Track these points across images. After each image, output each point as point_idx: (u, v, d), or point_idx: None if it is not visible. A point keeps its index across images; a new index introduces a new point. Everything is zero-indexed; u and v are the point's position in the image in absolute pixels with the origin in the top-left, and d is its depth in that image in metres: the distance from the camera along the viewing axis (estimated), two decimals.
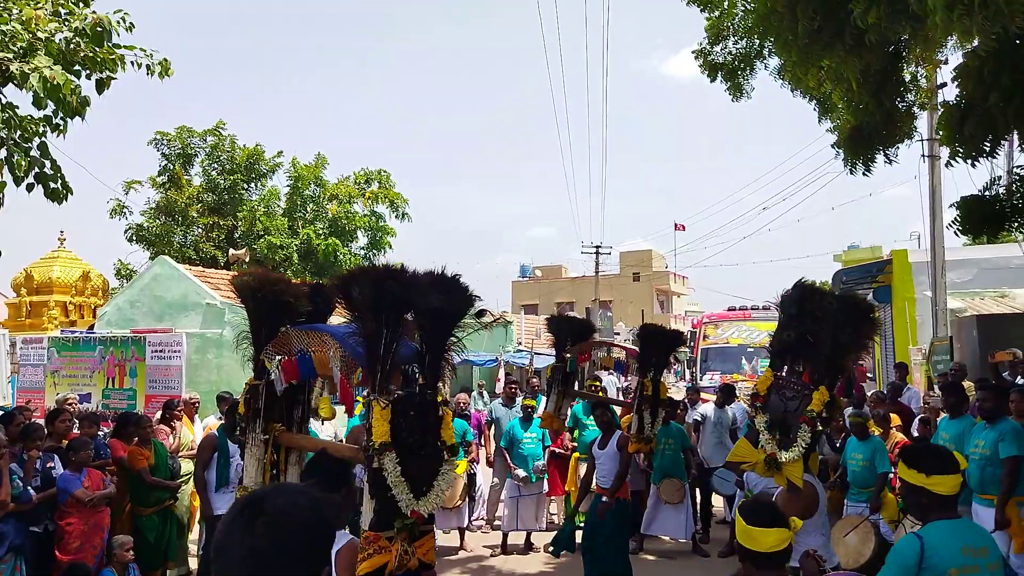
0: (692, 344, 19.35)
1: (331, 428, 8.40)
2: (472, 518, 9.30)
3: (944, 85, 10.54)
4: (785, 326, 4.49)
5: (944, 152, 9.41)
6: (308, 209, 27.78)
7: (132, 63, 6.40)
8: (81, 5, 6.35)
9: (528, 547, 8.64)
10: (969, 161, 7.13)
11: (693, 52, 8.65)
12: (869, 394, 9.95)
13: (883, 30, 5.07)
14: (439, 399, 3.53)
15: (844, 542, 5.90)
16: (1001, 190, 8.28)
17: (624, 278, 50.82)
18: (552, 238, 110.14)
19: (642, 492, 8.56)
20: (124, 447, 7.02)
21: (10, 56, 5.65)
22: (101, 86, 6.26)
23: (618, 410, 8.34)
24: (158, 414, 8.54)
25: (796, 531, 2.74)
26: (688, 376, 18.87)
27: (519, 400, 9.51)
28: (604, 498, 6.72)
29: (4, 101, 6.01)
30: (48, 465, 6.24)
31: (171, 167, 26.96)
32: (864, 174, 7.92)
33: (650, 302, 50.60)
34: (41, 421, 7.26)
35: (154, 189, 26.91)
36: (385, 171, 28.77)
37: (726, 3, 8.19)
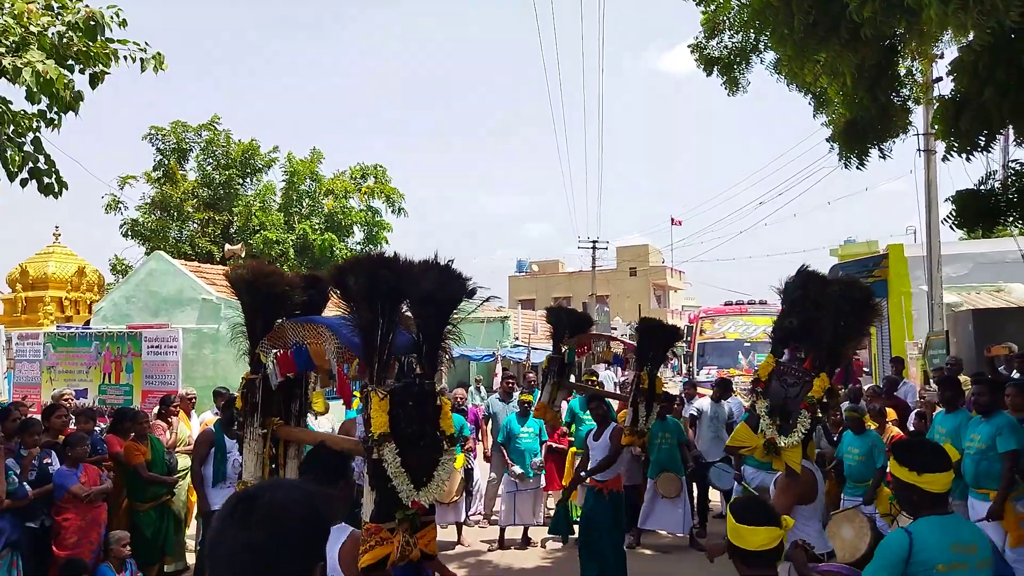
0: (689, 339, 19.37)
1: (328, 423, 8.40)
2: (469, 513, 9.32)
3: (940, 80, 10.53)
4: (787, 312, 4.49)
5: (940, 146, 9.43)
6: (304, 204, 27.74)
7: (125, 57, 6.38)
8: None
9: (525, 542, 8.66)
10: (964, 155, 7.13)
11: (689, 46, 8.63)
12: (865, 388, 9.97)
13: (878, 24, 5.07)
14: (437, 389, 3.53)
15: (840, 536, 5.92)
16: (996, 184, 8.29)
17: (621, 273, 50.86)
18: (549, 233, 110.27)
19: (639, 486, 8.58)
20: (121, 443, 7.02)
21: (3, 50, 5.62)
22: (95, 80, 6.24)
23: (615, 404, 8.35)
24: (155, 409, 8.53)
25: (788, 529, 2.74)
26: (685, 370, 18.91)
27: (516, 395, 9.52)
28: (597, 488, 6.77)
29: None
30: (45, 461, 6.23)
31: (166, 162, 26.90)
32: (858, 168, 7.92)
33: (647, 297, 50.64)
34: (37, 417, 7.25)
35: (149, 184, 26.87)
36: (381, 166, 28.77)
37: None
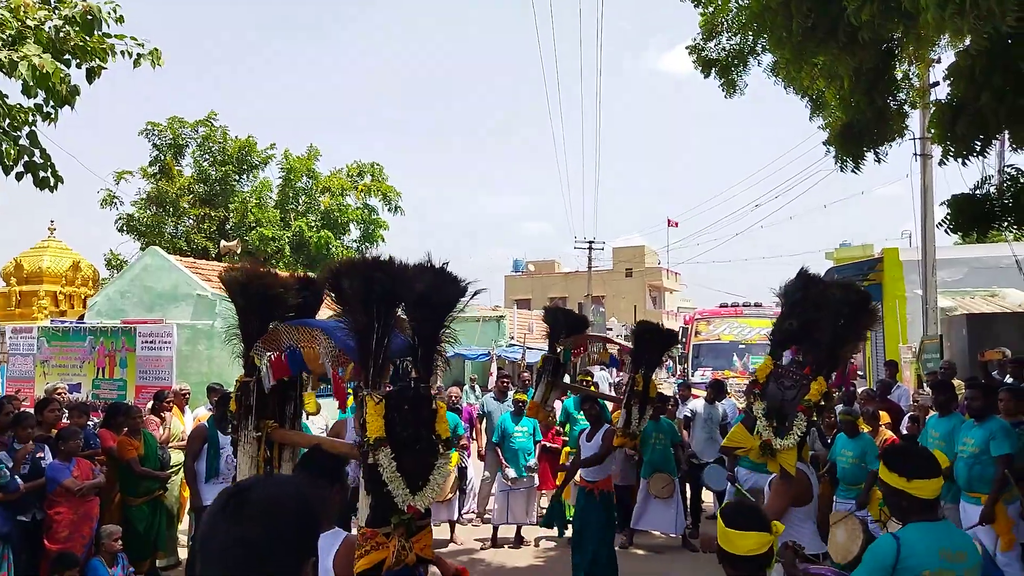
0: (684, 340, 19.40)
1: (321, 421, 8.39)
2: (463, 511, 9.32)
3: (936, 84, 10.58)
4: (787, 315, 4.50)
5: (936, 151, 9.45)
6: (300, 201, 27.68)
7: (123, 53, 6.36)
8: None
9: (518, 541, 8.66)
10: (960, 160, 7.16)
11: (687, 48, 8.65)
12: (859, 391, 9.99)
13: (876, 28, 5.09)
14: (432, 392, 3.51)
15: (833, 539, 5.93)
16: (992, 189, 8.33)
17: (617, 274, 50.89)
18: (545, 233, 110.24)
19: (632, 487, 8.60)
20: (114, 437, 7.00)
21: None
22: (91, 75, 6.23)
23: (609, 405, 8.37)
24: (149, 405, 8.51)
25: (778, 535, 2.74)
26: (679, 372, 18.94)
27: (511, 394, 9.52)
28: (587, 489, 6.79)
29: None
30: (37, 455, 6.22)
31: (162, 158, 26.84)
32: (854, 171, 7.94)
33: (643, 298, 50.67)
34: (31, 411, 7.23)
35: (145, 179, 26.79)
36: (378, 164, 28.74)
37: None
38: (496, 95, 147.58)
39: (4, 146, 5.98)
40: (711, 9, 8.29)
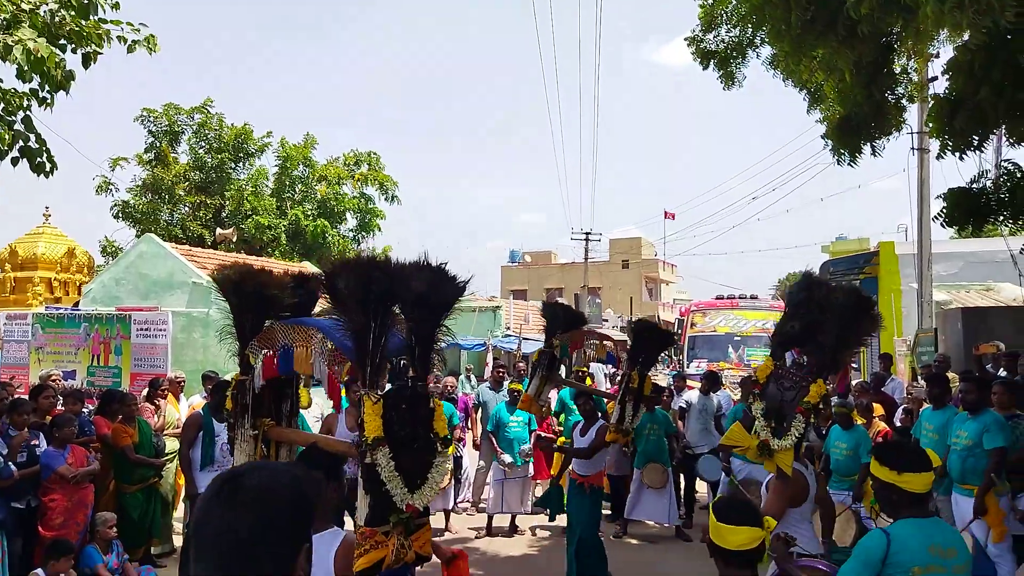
0: (680, 332, 19.43)
1: (318, 411, 8.40)
2: (458, 500, 9.35)
3: (935, 79, 10.57)
4: (790, 317, 4.51)
5: (933, 145, 9.45)
6: (297, 190, 27.62)
7: (118, 38, 6.31)
8: None
9: (513, 530, 8.70)
10: (958, 154, 7.16)
11: (686, 39, 8.62)
12: (853, 384, 10.02)
13: (875, 21, 5.08)
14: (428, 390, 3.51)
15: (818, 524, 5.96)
16: (988, 183, 8.34)
17: (613, 265, 50.88)
18: (542, 224, 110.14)
19: (627, 477, 8.63)
20: (108, 424, 7.00)
21: None
22: (87, 60, 6.18)
23: (605, 399, 8.39)
24: (144, 392, 8.50)
25: (770, 530, 2.74)
26: (674, 364, 18.97)
27: (506, 384, 9.53)
28: (579, 482, 6.83)
29: None
30: (32, 442, 6.21)
31: (158, 144, 26.72)
32: (850, 165, 7.94)
33: (639, 289, 50.70)
34: (26, 397, 7.22)
35: (140, 166, 26.69)
36: (375, 153, 28.67)
37: None
38: (494, 88, 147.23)
39: None
40: (711, 1, 8.26)
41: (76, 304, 15.55)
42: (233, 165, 27.27)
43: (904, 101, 8.37)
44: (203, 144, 27.04)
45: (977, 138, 7.06)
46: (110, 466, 6.91)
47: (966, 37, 5.44)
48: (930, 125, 8.18)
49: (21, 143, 6.16)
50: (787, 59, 6.91)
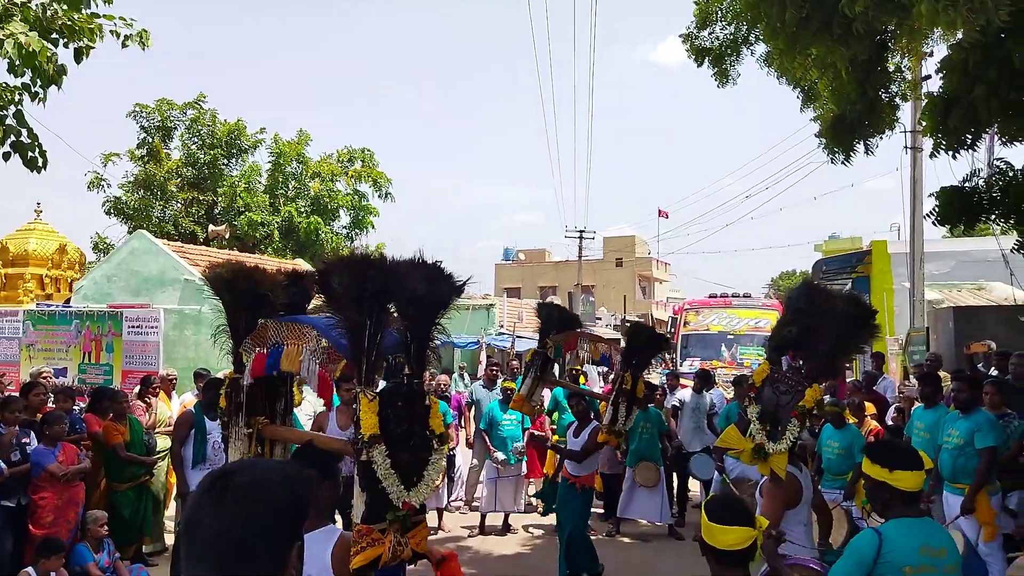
0: (673, 330, 19.45)
1: (311, 408, 8.37)
2: (451, 499, 9.34)
3: (928, 77, 10.60)
4: (789, 321, 4.52)
5: (926, 144, 9.47)
6: (290, 186, 27.51)
7: (111, 33, 6.27)
8: None
9: (506, 528, 8.69)
10: (952, 153, 7.19)
11: (680, 36, 8.62)
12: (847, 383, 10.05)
13: (870, 19, 5.08)
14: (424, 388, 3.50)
15: (815, 528, 5.98)
16: (980, 182, 8.36)
17: (607, 263, 50.89)
18: (536, 222, 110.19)
19: (620, 475, 8.63)
20: (99, 422, 6.96)
21: None
22: (79, 55, 6.14)
23: (599, 400, 8.39)
24: (135, 390, 8.46)
25: (761, 530, 2.74)
26: (668, 361, 18.99)
27: (499, 382, 9.53)
28: (570, 482, 6.84)
29: None
30: (23, 440, 6.17)
31: (150, 140, 26.57)
32: (844, 163, 7.97)
33: (632, 288, 50.74)
34: (16, 395, 7.18)
35: (133, 162, 26.54)
36: (369, 150, 28.58)
37: None
38: (488, 85, 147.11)
39: None
40: None
41: (67, 301, 15.47)
42: (226, 161, 27.14)
43: (897, 99, 8.39)
44: (196, 140, 26.90)
45: (970, 137, 7.09)
46: (101, 464, 6.87)
47: (960, 36, 5.46)
48: (923, 123, 8.22)
49: (13, 138, 6.12)
50: (781, 57, 6.92)
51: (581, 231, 39.98)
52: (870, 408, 8.33)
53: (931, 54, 9.44)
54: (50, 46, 5.79)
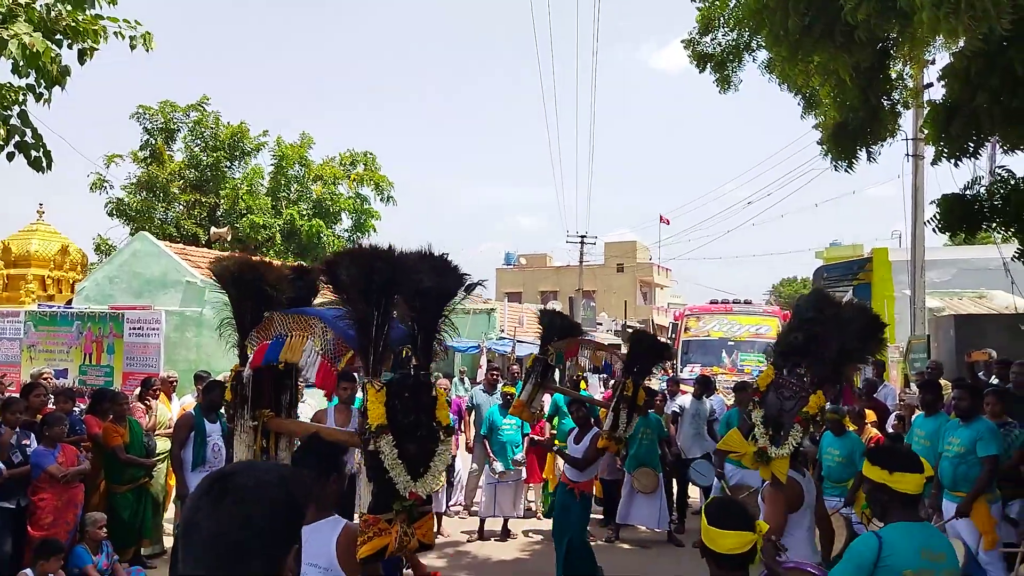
0: (673, 336, 19.43)
1: (310, 410, 8.36)
2: (450, 503, 9.32)
3: (931, 85, 10.62)
4: (796, 328, 4.54)
5: (928, 151, 9.48)
6: (292, 189, 27.56)
7: (115, 34, 6.29)
8: None
9: (505, 534, 8.67)
10: (954, 161, 7.19)
11: (682, 41, 8.64)
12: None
13: (872, 27, 5.09)
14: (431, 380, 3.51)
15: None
16: (982, 190, 8.37)
17: (608, 268, 50.87)
18: (538, 226, 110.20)
19: (619, 481, 8.62)
20: (99, 423, 6.95)
21: None
22: (83, 56, 6.15)
23: (599, 407, 8.38)
24: (136, 391, 8.46)
25: (762, 534, 2.74)
26: (668, 368, 18.95)
27: (500, 387, 9.52)
28: (569, 487, 6.83)
29: None
30: (24, 442, 6.17)
31: (153, 142, 26.63)
32: (847, 171, 7.97)
33: (633, 293, 50.73)
34: (17, 396, 7.18)
35: (135, 164, 26.59)
36: (371, 153, 28.63)
37: None
38: (491, 89, 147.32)
39: None
40: (709, 3, 8.28)
41: (69, 302, 15.49)
42: (228, 164, 27.20)
43: (899, 107, 8.40)
44: (199, 142, 26.97)
45: (972, 145, 7.09)
46: (101, 466, 6.87)
47: (962, 44, 5.46)
48: (926, 131, 8.21)
49: (17, 138, 6.13)
50: (783, 64, 6.92)
51: (583, 236, 39.97)
52: (870, 416, 8.32)
53: (933, 62, 9.47)
54: (54, 47, 5.80)
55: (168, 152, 26.89)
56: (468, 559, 7.93)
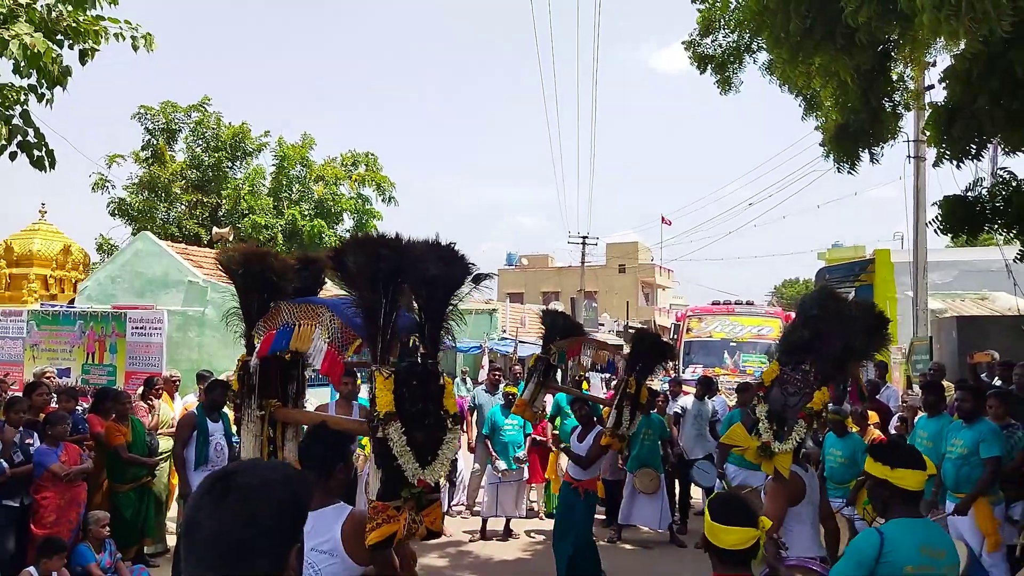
0: (675, 337, 19.42)
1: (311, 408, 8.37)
2: (452, 503, 9.33)
3: (931, 87, 10.61)
4: (802, 324, 4.55)
5: (929, 153, 9.48)
6: (294, 189, 27.58)
7: (116, 36, 6.30)
8: None
9: (507, 533, 8.68)
10: (955, 162, 7.19)
11: (683, 43, 8.65)
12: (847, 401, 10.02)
13: (873, 29, 5.10)
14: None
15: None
16: (983, 191, 8.37)
17: (610, 269, 50.88)
18: (539, 225, 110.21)
19: (621, 482, 8.63)
20: (102, 422, 6.97)
21: None
22: (84, 57, 6.17)
23: (601, 405, 8.39)
24: (139, 391, 8.48)
25: (765, 530, 2.75)
26: (669, 369, 18.92)
27: (502, 387, 9.53)
28: (573, 486, 6.84)
29: None
30: (27, 441, 6.18)
31: (155, 142, 26.67)
32: (850, 172, 7.97)
33: (635, 294, 50.71)
34: (21, 395, 7.20)
35: (137, 164, 26.63)
36: (372, 154, 28.64)
37: None
38: (492, 89, 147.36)
39: None
40: (706, 4, 8.28)
41: (71, 301, 15.52)
42: (230, 164, 27.23)
43: (900, 109, 8.40)
44: (200, 142, 27.00)
45: (974, 146, 7.09)
46: (103, 465, 6.88)
47: (962, 45, 5.46)
48: (927, 133, 8.22)
49: (20, 137, 6.14)
50: (784, 65, 6.92)
51: (584, 237, 39.98)
52: (873, 417, 8.32)
53: (934, 64, 9.45)
54: (55, 47, 5.82)
55: (170, 152, 26.92)
56: (470, 559, 7.94)
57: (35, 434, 6.29)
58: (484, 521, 8.74)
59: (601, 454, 6.91)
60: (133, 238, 18.26)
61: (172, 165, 26.57)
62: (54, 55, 5.69)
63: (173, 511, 7.99)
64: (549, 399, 9.49)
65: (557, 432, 9.30)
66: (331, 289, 4.71)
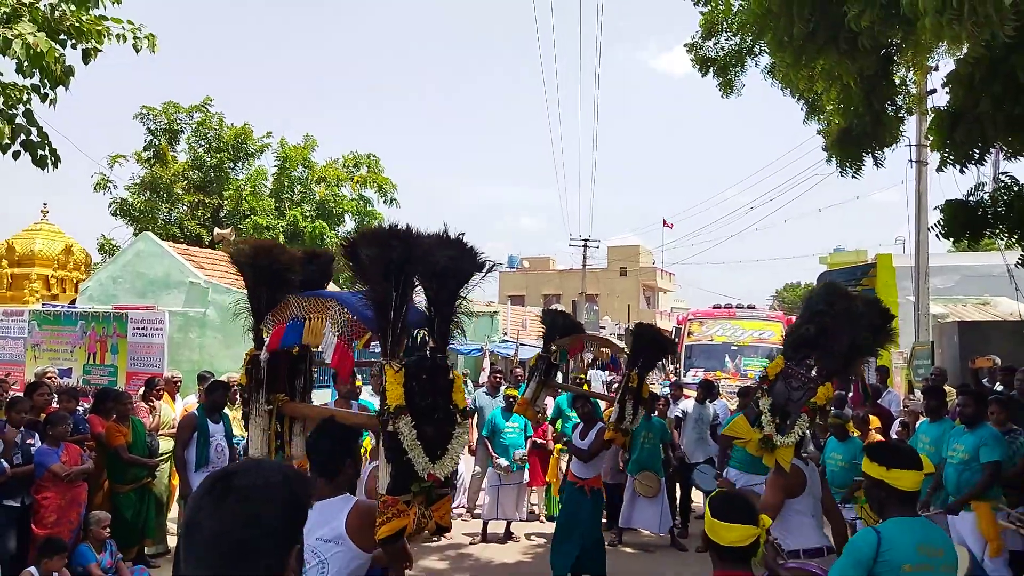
0: (677, 340, 19.42)
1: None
2: (452, 506, 9.30)
3: (934, 91, 10.61)
4: (807, 320, 4.55)
5: (932, 157, 9.47)
6: (295, 191, 27.61)
7: (118, 36, 6.31)
8: None
9: (508, 536, 8.67)
10: (958, 167, 7.19)
11: (685, 46, 8.66)
12: (850, 396, 10.02)
13: (876, 34, 5.10)
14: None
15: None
16: (985, 196, 8.36)
17: (611, 272, 50.86)
18: (540, 228, 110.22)
19: (622, 485, 8.62)
20: (102, 423, 6.97)
21: None
22: (87, 57, 6.18)
23: (602, 405, 8.39)
24: (140, 391, 8.48)
25: (766, 528, 2.75)
26: (672, 371, 18.91)
27: (503, 389, 9.53)
28: (578, 485, 6.84)
29: None
30: (28, 441, 6.18)
31: (157, 143, 26.71)
32: (854, 176, 7.96)
33: (636, 297, 50.69)
34: (21, 395, 7.20)
35: (139, 164, 26.69)
36: (374, 155, 28.68)
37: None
38: (493, 90, 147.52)
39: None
40: (709, 8, 8.29)
41: (73, 302, 15.52)
42: (232, 165, 27.27)
43: (903, 113, 8.40)
44: (202, 143, 27.04)
45: (977, 151, 7.09)
46: (104, 465, 6.88)
47: (965, 50, 5.46)
48: (930, 137, 8.21)
49: (23, 137, 6.15)
50: (787, 69, 6.92)
51: (585, 240, 40.01)
52: (874, 422, 8.31)
53: (936, 68, 9.46)
54: (58, 47, 5.82)
55: (172, 153, 26.97)
56: (470, 561, 7.93)
57: (36, 434, 6.29)
58: (485, 524, 8.73)
59: (604, 448, 6.91)
60: (135, 238, 18.26)
61: (174, 166, 26.61)
62: (57, 55, 5.69)
63: (174, 512, 7.99)
64: (550, 402, 9.49)
65: (556, 435, 9.30)
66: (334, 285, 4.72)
